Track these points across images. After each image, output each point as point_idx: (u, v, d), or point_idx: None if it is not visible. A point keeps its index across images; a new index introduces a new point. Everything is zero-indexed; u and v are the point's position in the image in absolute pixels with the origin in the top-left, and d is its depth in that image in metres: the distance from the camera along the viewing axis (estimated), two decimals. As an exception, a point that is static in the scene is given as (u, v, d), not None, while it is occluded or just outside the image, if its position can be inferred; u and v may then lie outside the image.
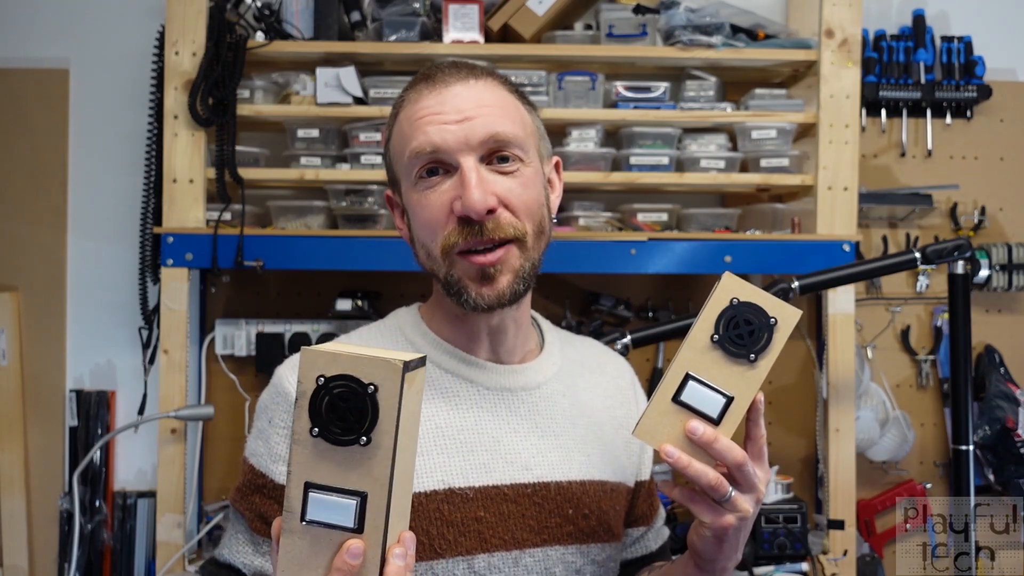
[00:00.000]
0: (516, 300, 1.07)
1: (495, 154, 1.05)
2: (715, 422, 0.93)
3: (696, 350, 0.93)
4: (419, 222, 1.07)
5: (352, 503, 0.78)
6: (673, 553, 1.29)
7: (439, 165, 1.04)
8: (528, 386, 1.14)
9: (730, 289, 0.94)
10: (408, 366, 0.78)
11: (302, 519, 0.79)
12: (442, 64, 1.10)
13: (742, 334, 0.93)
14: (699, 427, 0.92)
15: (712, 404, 0.93)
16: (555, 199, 1.16)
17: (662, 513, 1.29)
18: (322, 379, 0.78)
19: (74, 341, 2.19)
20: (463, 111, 1.04)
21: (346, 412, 0.77)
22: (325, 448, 0.78)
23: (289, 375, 1.10)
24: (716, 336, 0.93)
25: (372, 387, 0.77)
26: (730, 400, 0.93)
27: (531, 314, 1.21)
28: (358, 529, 0.78)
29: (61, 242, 2.19)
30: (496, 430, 1.10)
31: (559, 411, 1.14)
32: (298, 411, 0.78)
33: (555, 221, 1.14)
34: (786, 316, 0.93)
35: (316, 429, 0.78)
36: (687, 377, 0.93)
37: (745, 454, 0.93)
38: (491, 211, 1.02)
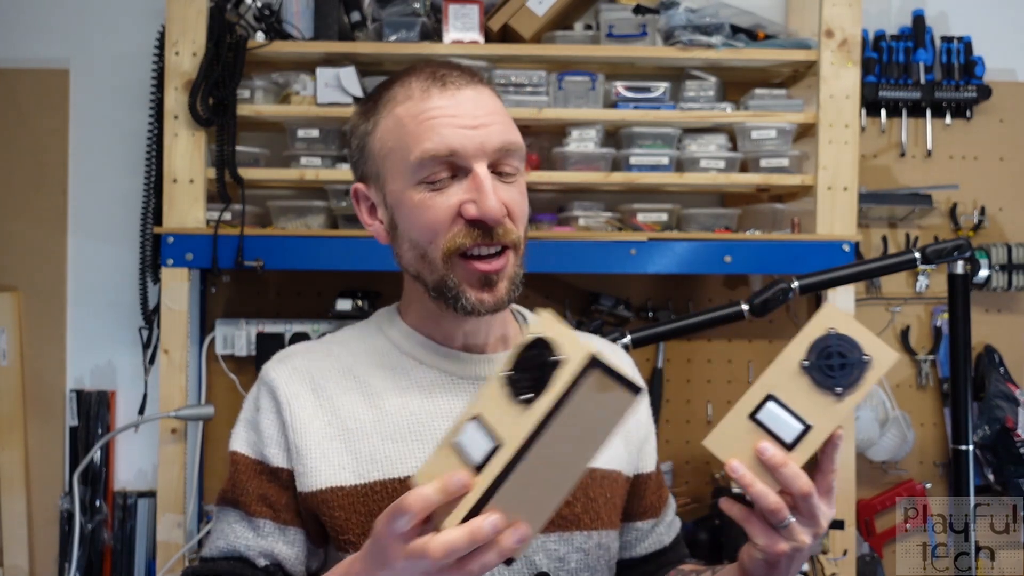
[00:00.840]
0: (509, 304, 1.08)
1: (502, 165, 1.06)
2: (788, 447, 0.91)
3: (783, 372, 0.92)
4: (419, 223, 1.05)
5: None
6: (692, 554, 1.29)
7: (449, 168, 1.04)
8: None
9: (830, 319, 0.93)
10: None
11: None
12: (443, 63, 1.09)
13: (833, 365, 0.91)
14: (769, 448, 0.91)
15: (788, 429, 0.91)
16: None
17: (672, 504, 1.28)
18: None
19: (74, 341, 2.19)
20: (478, 117, 1.04)
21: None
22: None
23: (275, 367, 1.11)
24: (807, 363, 0.92)
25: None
26: (807, 429, 0.91)
27: (513, 306, 1.21)
28: (477, 468, 0.81)
29: (61, 242, 2.19)
30: None
31: None
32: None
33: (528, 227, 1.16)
34: (883, 357, 0.92)
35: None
36: (768, 397, 0.92)
37: (812, 485, 0.91)
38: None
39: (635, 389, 0.80)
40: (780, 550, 0.92)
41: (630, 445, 1.21)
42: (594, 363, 0.78)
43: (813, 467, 0.94)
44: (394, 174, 1.07)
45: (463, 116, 1.03)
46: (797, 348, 0.92)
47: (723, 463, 0.92)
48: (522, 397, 0.80)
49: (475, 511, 0.79)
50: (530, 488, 0.80)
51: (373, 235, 1.12)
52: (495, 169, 1.05)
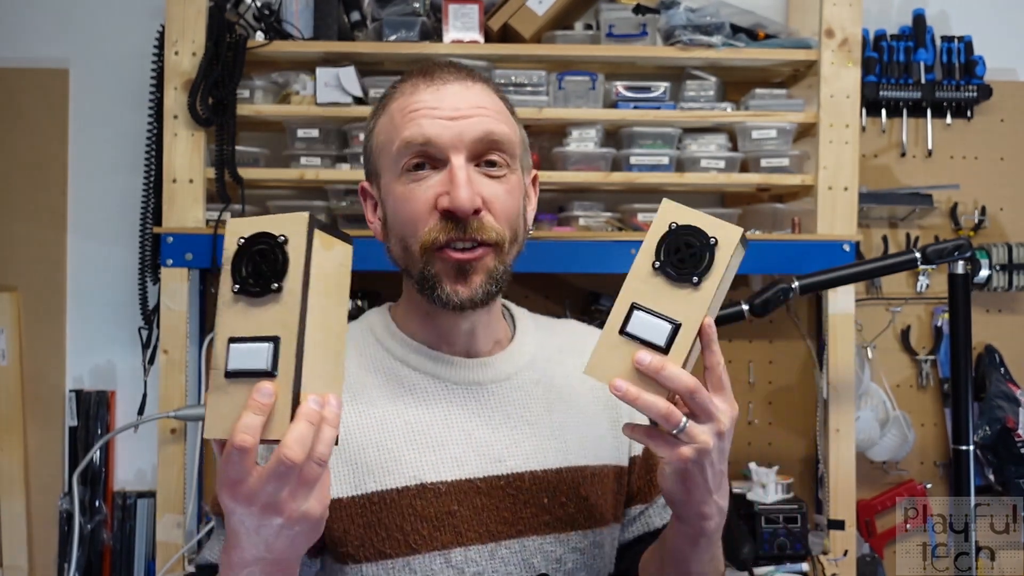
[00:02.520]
0: (488, 301, 1.08)
1: (484, 156, 1.06)
2: (664, 350, 0.90)
3: (639, 279, 0.92)
4: (401, 215, 1.07)
5: (265, 347, 0.81)
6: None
7: (427, 159, 1.05)
8: (498, 378, 1.14)
9: (669, 214, 0.92)
10: (317, 222, 0.84)
11: (226, 374, 0.82)
12: (440, 62, 1.11)
13: (683, 258, 0.91)
14: (646, 357, 0.89)
15: (659, 332, 0.90)
16: (531, 211, 1.18)
17: None
18: (241, 240, 0.84)
19: (74, 341, 2.19)
20: (459, 109, 1.05)
21: (262, 266, 0.83)
22: (245, 304, 0.83)
23: None
24: (657, 263, 0.91)
25: (282, 238, 0.83)
26: (677, 327, 0.90)
27: (502, 302, 1.21)
28: (271, 372, 0.81)
29: (61, 242, 2.19)
30: (467, 424, 1.10)
31: (532, 400, 1.14)
32: (223, 276, 0.84)
33: (530, 232, 1.16)
34: (726, 235, 0.92)
35: (237, 286, 0.83)
36: (632, 307, 0.91)
37: (696, 380, 0.89)
38: (476, 211, 1.04)
39: (349, 239, 0.87)
40: (683, 455, 0.90)
41: (602, 432, 1.19)
42: (312, 224, 0.83)
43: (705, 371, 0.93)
44: (385, 168, 1.09)
45: (443, 108, 1.05)
46: (646, 252, 0.92)
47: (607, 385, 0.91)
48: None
49: (294, 405, 0.81)
50: (319, 361, 0.83)
51: (373, 234, 1.14)
52: (478, 162, 1.06)
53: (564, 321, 1.30)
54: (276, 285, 0.82)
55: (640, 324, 0.90)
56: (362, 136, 1.96)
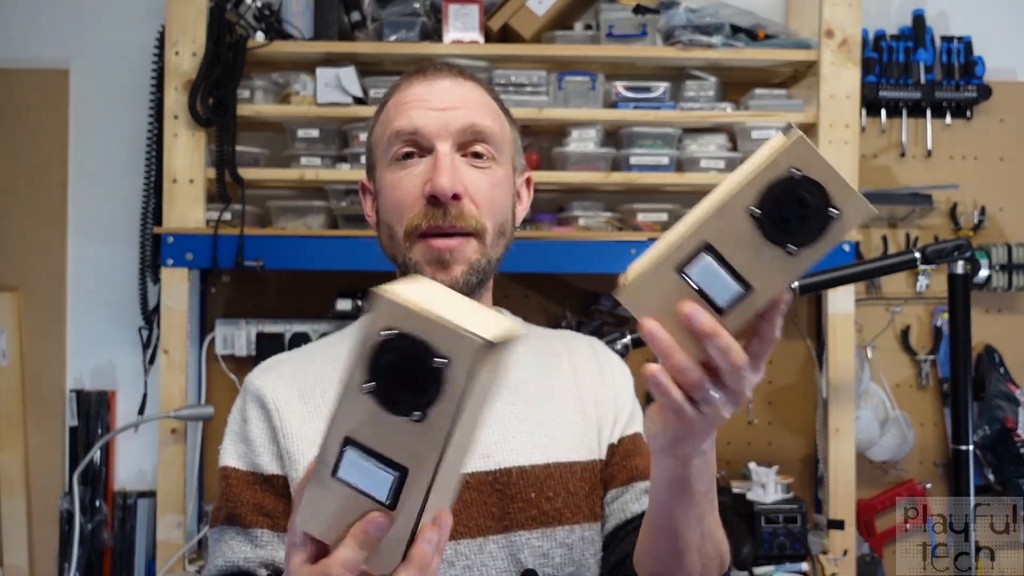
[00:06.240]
0: (469, 292, 1.08)
1: (469, 147, 1.10)
2: (719, 311, 0.72)
3: (723, 217, 0.70)
4: (389, 202, 1.11)
5: (390, 477, 0.68)
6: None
7: (416, 148, 1.09)
8: None
9: (794, 156, 0.69)
10: (492, 345, 0.65)
11: (333, 474, 0.69)
12: (435, 62, 1.16)
13: (789, 218, 0.70)
14: (700, 315, 0.72)
15: (723, 290, 0.72)
16: (521, 211, 1.20)
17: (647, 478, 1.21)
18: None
19: (74, 341, 2.19)
20: (447, 101, 1.09)
21: (407, 378, 0.66)
22: (374, 407, 0.67)
23: (260, 376, 1.13)
24: (757, 212, 0.70)
25: (444, 360, 0.65)
26: (747, 291, 0.72)
27: (497, 309, 1.22)
28: (390, 505, 0.69)
29: (61, 242, 2.19)
30: None
31: (521, 398, 1.14)
32: (357, 357, 0.67)
33: (516, 228, 1.18)
34: (852, 209, 0.70)
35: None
36: (705, 247, 0.71)
37: (746, 358, 0.74)
38: (457, 196, 1.06)
39: (516, 333, 0.68)
40: (695, 428, 0.77)
41: (589, 429, 1.14)
42: (484, 351, 0.65)
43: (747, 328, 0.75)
44: (379, 159, 1.13)
45: (432, 100, 1.10)
46: (747, 190, 0.70)
47: (636, 319, 0.74)
48: (405, 412, 0.67)
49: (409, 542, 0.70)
50: (443, 485, 0.70)
51: (371, 226, 1.17)
52: (464, 152, 1.10)
53: (553, 330, 1.30)
54: (418, 414, 0.66)
55: (705, 272, 0.71)
56: (363, 136, 1.98)
